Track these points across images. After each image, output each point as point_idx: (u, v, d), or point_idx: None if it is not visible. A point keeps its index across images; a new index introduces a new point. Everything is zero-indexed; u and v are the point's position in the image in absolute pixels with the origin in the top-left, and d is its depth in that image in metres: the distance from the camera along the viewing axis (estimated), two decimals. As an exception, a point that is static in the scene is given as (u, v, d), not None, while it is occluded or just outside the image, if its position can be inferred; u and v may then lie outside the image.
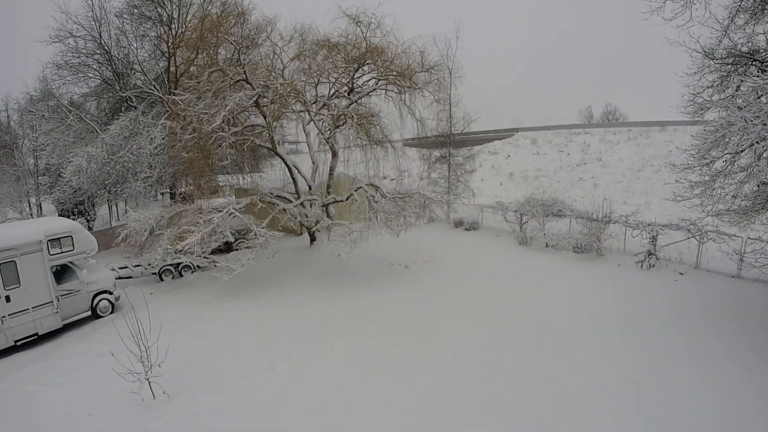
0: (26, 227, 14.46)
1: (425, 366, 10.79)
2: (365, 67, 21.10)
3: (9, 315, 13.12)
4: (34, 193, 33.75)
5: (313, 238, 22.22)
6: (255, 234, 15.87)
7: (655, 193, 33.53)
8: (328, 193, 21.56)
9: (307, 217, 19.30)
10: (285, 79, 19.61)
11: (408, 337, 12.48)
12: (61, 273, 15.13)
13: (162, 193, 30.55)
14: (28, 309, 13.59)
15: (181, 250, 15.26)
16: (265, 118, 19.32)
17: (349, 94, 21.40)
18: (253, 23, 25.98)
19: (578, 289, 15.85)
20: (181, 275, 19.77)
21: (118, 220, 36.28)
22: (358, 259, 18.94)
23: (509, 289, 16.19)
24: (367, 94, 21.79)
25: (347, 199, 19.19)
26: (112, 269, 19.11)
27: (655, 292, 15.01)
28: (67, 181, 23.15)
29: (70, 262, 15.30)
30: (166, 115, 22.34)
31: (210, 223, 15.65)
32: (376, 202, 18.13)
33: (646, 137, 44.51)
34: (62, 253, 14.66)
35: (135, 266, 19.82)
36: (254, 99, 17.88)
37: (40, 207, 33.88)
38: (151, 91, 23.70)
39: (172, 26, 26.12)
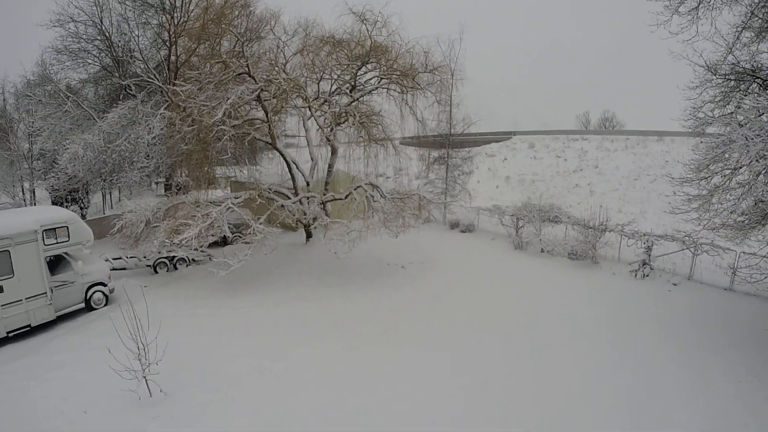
0: (21, 216, 14.30)
1: (416, 371, 10.88)
2: (368, 65, 21.06)
3: (2, 306, 12.99)
4: (27, 179, 33.40)
5: (309, 235, 22.19)
6: (253, 230, 15.79)
7: (650, 202, 33.75)
8: (326, 190, 21.52)
9: (305, 214, 19.26)
10: (287, 74, 19.52)
11: (401, 341, 12.58)
12: (56, 263, 14.98)
13: (157, 183, 30.22)
14: (21, 300, 13.45)
15: (178, 244, 15.11)
16: (266, 112, 19.24)
17: (351, 92, 21.35)
18: (258, 15, 25.92)
19: (572, 297, 15.94)
20: (176, 268, 19.69)
21: (112, 208, 36.06)
22: (355, 258, 18.83)
23: (504, 295, 16.31)
24: (369, 93, 21.74)
25: (346, 197, 19.16)
26: (106, 260, 18.98)
27: (648, 303, 15.14)
28: (62, 168, 22.88)
29: (65, 253, 15.15)
30: (165, 105, 22.14)
31: (208, 218, 15.56)
32: (376, 201, 18.13)
33: (643, 146, 44.76)
34: (57, 243, 14.47)
35: (129, 257, 19.69)
36: (256, 93, 17.77)
37: (34, 193, 33.51)
38: (151, 80, 23.43)
39: (174, 14, 25.84)
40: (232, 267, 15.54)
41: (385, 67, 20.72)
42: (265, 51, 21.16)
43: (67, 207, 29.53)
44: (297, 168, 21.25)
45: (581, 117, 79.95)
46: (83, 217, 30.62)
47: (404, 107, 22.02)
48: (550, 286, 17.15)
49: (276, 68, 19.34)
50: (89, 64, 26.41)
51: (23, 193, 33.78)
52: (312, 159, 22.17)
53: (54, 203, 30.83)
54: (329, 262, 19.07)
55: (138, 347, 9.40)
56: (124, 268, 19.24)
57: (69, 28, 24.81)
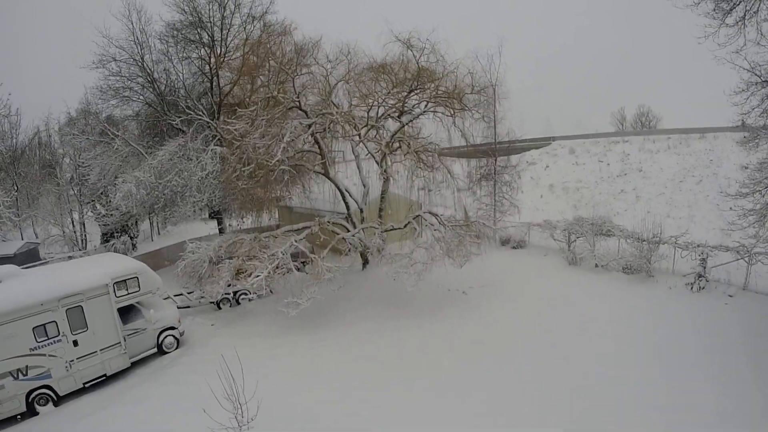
0: (91, 270, 14.33)
1: (506, 406, 11.05)
2: (416, 91, 20.91)
3: (77, 358, 13.21)
4: (76, 210, 34.25)
5: (366, 261, 22.01)
6: (321, 269, 15.74)
7: (698, 205, 32.81)
8: (381, 216, 21.42)
9: (366, 247, 19.19)
10: (338, 106, 19.53)
11: (481, 375, 12.73)
12: (128, 311, 15.11)
13: (210, 215, 30.34)
14: (96, 351, 13.64)
15: (247, 289, 15.16)
16: (319, 145, 19.22)
17: (399, 117, 21.21)
18: (297, 43, 26.05)
19: (628, 315, 15.84)
20: (239, 303, 19.68)
21: (159, 234, 36.69)
22: (416, 285, 18.75)
23: (563, 316, 16.26)
24: (417, 117, 21.58)
25: (405, 227, 18.97)
26: (167, 297, 19.17)
27: (704, 317, 15.00)
28: (116, 207, 23.29)
29: (137, 302, 15.32)
30: (215, 140, 22.35)
31: (275, 258, 15.59)
32: (436, 230, 17.96)
33: (685, 145, 43.66)
34: (128, 294, 14.61)
35: (189, 292, 19.86)
36: (310, 129, 17.78)
37: (84, 225, 34.28)
38: (199, 117, 23.58)
39: (214, 48, 26.11)
40: (302, 306, 15.54)
41: (432, 91, 20.54)
42: (312, 79, 21.14)
43: (117, 237, 30.23)
44: (350, 195, 21.21)
45: (616, 114, 78.09)
46: (134, 246, 31.27)
47: (452, 128, 21.84)
48: (607, 303, 17.02)
49: (326, 100, 19.34)
50: (133, 101, 26.94)
51: (73, 225, 34.59)
52: (364, 185, 22.03)
53: (104, 234, 31.55)
54: (390, 289, 18.88)
55: (234, 405, 9.10)
56: (188, 306, 19.33)
57: (111, 68, 25.24)
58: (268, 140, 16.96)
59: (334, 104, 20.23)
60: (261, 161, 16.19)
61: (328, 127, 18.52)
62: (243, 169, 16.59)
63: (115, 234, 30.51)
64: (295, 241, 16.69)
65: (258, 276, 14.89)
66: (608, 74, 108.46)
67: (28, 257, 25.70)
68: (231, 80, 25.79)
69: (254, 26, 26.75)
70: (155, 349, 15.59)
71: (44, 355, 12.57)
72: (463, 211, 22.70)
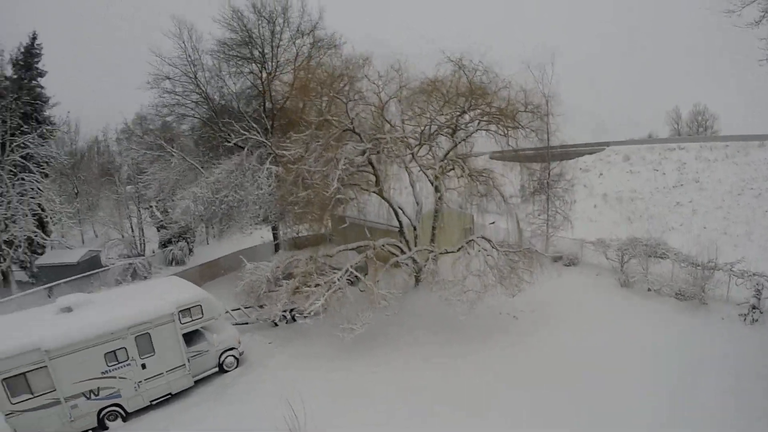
0: (158, 298, 15.07)
1: None
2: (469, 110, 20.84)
3: (145, 380, 14.08)
4: (134, 216, 35.93)
5: (418, 280, 22.04)
6: (376, 297, 16.00)
7: (756, 222, 31.36)
8: (434, 233, 21.50)
9: (419, 271, 19.34)
10: (391, 124, 19.73)
11: (533, 405, 13.04)
12: (192, 335, 15.80)
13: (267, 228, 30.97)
14: (162, 373, 14.47)
15: (305, 313, 15.59)
16: (372, 166, 19.39)
17: (452, 135, 21.18)
18: (345, 58, 26.28)
19: (677, 347, 15.68)
20: (294, 320, 20.09)
21: (214, 236, 37.69)
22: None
23: (612, 345, 16.23)
24: (470, 135, 21.52)
25: (458, 251, 18.96)
26: (226, 312, 19.80)
27: (754, 353, 14.67)
28: (175, 221, 24.23)
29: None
30: (270, 158, 22.87)
31: (332, 284, 15.97)
32: (489, 255, 17.90)
33: (744, 154, 41.59)
34: (192, 321, 15.36)
35: (246, 307, 20.46)
36: (365, 155, 18.04)
37: (142, 231, 35.87)
38: (254, 137, 24.10)
39: (265, 64, 26.64)
40: (357, 332, 15.96)
41: (485, 107, 20.40)
42: (363, 97, 21.28)
43: (175, 243, 31.42)
44: (403, 212, 21.38)
45: (671, 113, 75.06)
46: (190, 251, 32.41)
47: (505, 146, 21.66)
48: (658, 334, 16.78)
49: (378, 119, 19.53)
50: (187, 117, 27.91)
51: (132, 230, 36.24)
52: (417, 203, 22.09)
53: (161, 241, 32.87)
54: (442, 314, 18.77)
55: (290, 427, 9.39)
56: (246, 323, 19.94)
57: (166, 87, 26.24)
58: (322, 164, 17.33)
59: (386, 121, 20.44)
60: (317, 190, 16.49)
61: (382, 150, 18.70)
62: (299, 195, 16.98)
63: (173, 240, 31.67)
64: (351, 267, 16.96)
65: (315, 303, 15.27)
66: (660, 74, 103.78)
67: (90, 265, 27.11)
68: (283, 95, 26.31)
69: (304, 41, 27.16)
70: (216, 368, 16.28)
71: (114, 377, 13.46)
72: (516, 229, 22.57)
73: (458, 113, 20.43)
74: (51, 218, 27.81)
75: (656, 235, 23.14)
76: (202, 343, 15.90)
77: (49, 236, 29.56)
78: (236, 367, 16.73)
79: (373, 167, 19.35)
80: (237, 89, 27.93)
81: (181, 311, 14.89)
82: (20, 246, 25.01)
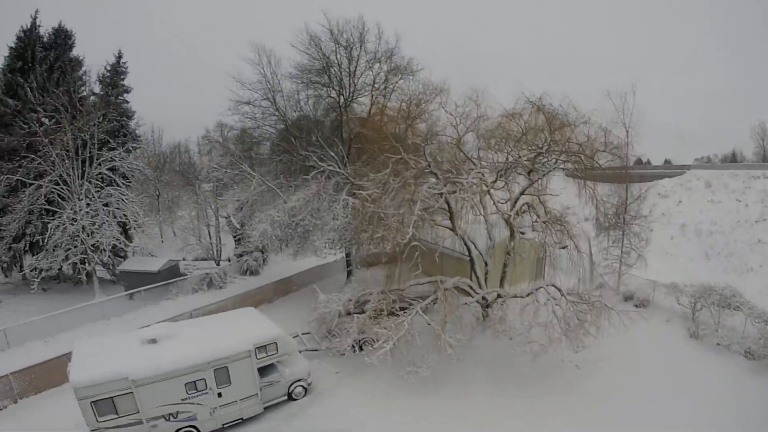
0: (237, 336, 16.13)
1: None
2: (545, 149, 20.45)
3: (220, 406, 15.25)
4: (212, 225, 38.10)
5: (485, 315, 21.91)
6: (444, 343, 16.15)
7: None
8: (504, 272, 21.32)
9: (487, 315, 19.29)
10: (470, 159, 19.72)
11: None
12: (265, 367, 16.83)
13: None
14: (236, 401, 15.60)
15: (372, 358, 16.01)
16: (448, 204, 19.41)
17: (529, 174, 20.84)
18: (423, 83, 26.41)
19: (738, 411, 15.42)
20: (362, 349, 20.55)
21: (290, 255, 39.14)
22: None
23: (675, 404, 16.00)
24: (547, 174, 21.11)
25: (527, 296, 18.71)
26: (296, 336, 20.61)
27: None
28: (254, 242, 25.44)
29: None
30: (347, 188, 23.39)
31: (402, 327, 16.26)
32: (557, 305, 17.56)
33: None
34: (267, 356, 16.45)
35: (314, 334, 21.18)
36: (442, 198, 18.18)
37: (219, 239, 37.94)
38: (330, 168, 24.70)
39: (342, 91, 27.07)
40: (421, 374, 16.21)
41: (563, 147, 19.91)
42: (440, 130, 21.30)
43: (250, 254, 32.88)
44: (476, 247, 21.39)
45: (756, 128, 69.29)
46: (264, 261, 33.82)
47: (582, 189, 21.12)
48: (721, 397, 16.35)
49: (457, 160, 19.59)
50: (267, 141, 29.12)
51: (210, 237, 38.44)
52: (490, 239, 22.00)
53: (237, 253, 34.54)
54: (503, 353, 18.96)
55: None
56: (316, 350, 20.65)
57: (246, 112, 27.33)
58: (397, 205, 17.62)
59: (464, 154, 20.45)
60: (392, 232, 16.78)
61: (458, 191, 18.74)
62: (375, 236, 17.39)
63: (249, 252, 33.08)
64: (420, 309, 17.19)
65: (384, 348, 15.66)
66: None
67: (170, 274, 28.89)
68: (360, 121, 26.74)
69: (381, 67, 27.32)
70: (285, 397, 17.31)
71: (193, 403, 14.71)
72: (589, 265, 21.89)
73: (535, 153, 20.04)
74: (135, 229, 29.99)
75: (734, 275, 21.73)
76: (275, 374, 16.94)
77: (131, 242, 31.99)
78: (304, 396, 17.64)
79: (449, 206, 19.40)
80: (314, 114, 28.66)
81: (257, 348, 15.96)
82: (105, 250, 26.94)
